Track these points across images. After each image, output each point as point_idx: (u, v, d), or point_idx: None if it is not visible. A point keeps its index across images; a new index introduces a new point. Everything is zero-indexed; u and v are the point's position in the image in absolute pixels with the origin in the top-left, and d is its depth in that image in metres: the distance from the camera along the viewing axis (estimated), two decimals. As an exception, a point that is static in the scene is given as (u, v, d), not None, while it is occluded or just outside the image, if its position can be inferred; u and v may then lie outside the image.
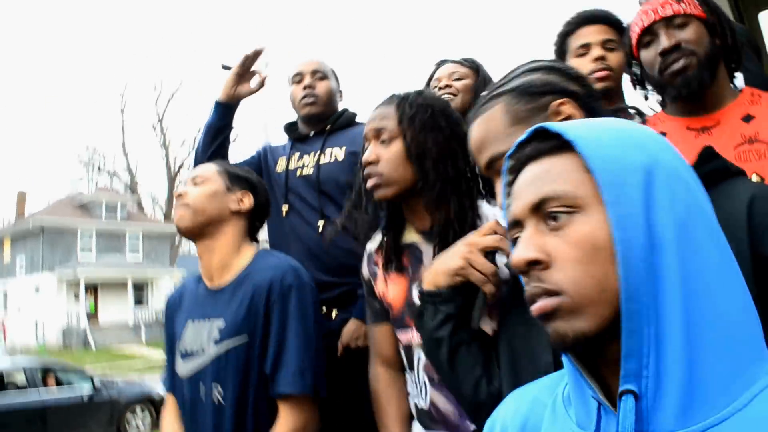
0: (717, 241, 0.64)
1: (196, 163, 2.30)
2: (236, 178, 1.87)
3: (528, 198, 0.69)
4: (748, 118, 1.51)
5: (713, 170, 0.94)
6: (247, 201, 1.86)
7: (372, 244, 1.70)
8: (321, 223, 2.27)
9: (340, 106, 2.57)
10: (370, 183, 1.53)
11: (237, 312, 1.69)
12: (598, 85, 1.93)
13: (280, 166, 2.46)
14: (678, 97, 1.53)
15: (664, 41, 1.52)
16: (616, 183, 0.63)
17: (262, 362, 1.68)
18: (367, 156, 1.53)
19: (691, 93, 1.50)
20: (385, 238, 1.61)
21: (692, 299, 0.60)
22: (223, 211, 1.81)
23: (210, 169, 1.88)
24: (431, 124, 1.51)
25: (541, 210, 0.68)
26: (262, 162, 2.54)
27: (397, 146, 1.51)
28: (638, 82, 1.70)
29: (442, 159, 1.49)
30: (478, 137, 1.12)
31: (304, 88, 2.44)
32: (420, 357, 1.51)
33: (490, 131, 1.09)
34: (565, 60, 2.04)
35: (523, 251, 0.67)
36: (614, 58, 1.98)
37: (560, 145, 0.69)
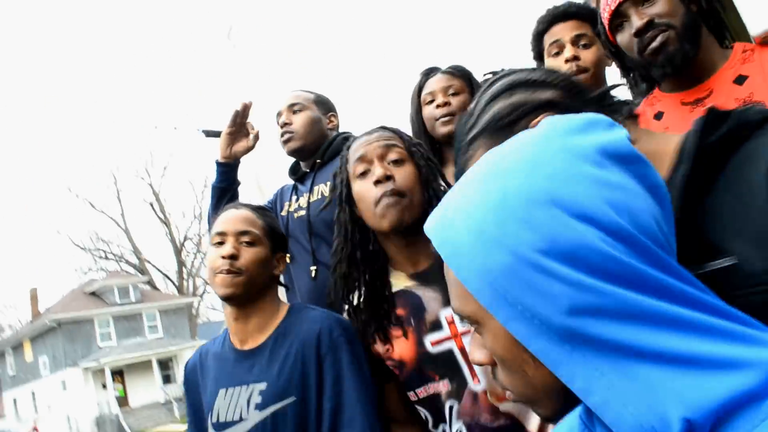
0: (637, 264, 0.55)
1: (210, 225, 2.22)
2: (278, 239, 1.72)
3: None
4: (740, 80, 1.43)
5: (726, 134, 0.82)
6: (282, 265, 1.73)
7: (351, 304, 1.58)
8: (314, 269, 2.17)
9: (341, 128, 2.48)
10: (388, 201, 1.40)
11: (281, 372, 1.55)
12: None
13: (285, 210, 2.40)
14: (664, 75, 1.46)
15: (635, 21, 1.43)
16: (493, 296, 0.57)
17: (320, 420, 1.52)
18: (382, 173, 1.42)
19: (675, 68, 1.43)
20: (372, 291, 1.49)
21: (635, 334, 0.53)
22: (267, 278, 1.67)
23: (257, 223, 1.68)
24: (429, 155, 1.53)
25: None
26: (273, 209, 2.47)
27: (411, 168, 1.46)
28: (623, 69, 1.64)
29: (443, 187, 1.48)
30: None
31: (282, 126, 2.36)
32: (453, 406, 1.40)
33: None
34: (542, 61, 1.99)
35: (472, 354, 0.66)
36: (588, 56, 1.89)
37: None
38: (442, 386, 1.41)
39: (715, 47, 1.49)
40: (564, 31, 1.91)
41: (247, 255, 1.61)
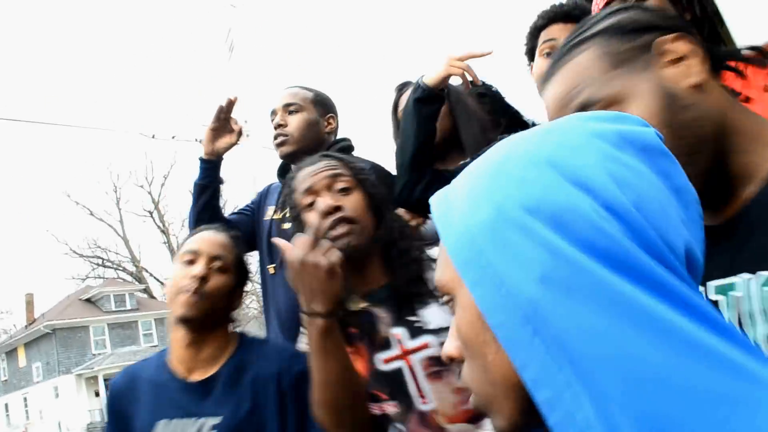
0: (627, 255, 0.47)
1: (190, 221, 2.25)
2: (244, 274, 1.68)
3: None
4: (732, 95, 1.34)
5: None
6: (240, 301, 1.70)
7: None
8: None
9: (340, 133, 2.36)
10: (336, 231, 1.40)
11: (239, 407, 1.52)
12: None
13: (268, 215, 2.27)
14: None
15: None
16: (468, 256, 0.52)
17: None
18: (327, 205, 1.41)
19: None
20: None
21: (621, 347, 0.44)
22: (226, 309, 1.64)
23: (231, 251, 1.65)
24: (375, 182, 1.55)
25: None
26: (256, 210, 2.38)
27: (358, 195, 1.47)
28: None
29: (395, 212, 1.51)
30: (561, 90, 0.86)
31: (276, 127, 2.23)
32: (402, 429, 1.38)
33: (581, 77, 0.84)
34: (533, 59, 1.88)
35: (444, 346, 0.60)
36: None
37: None
38: (390, 407, 1.39)
39: None
40: (562, 33, 1.78)
41: (216, 281, 1.57)
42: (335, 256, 1.28)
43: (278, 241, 1.34)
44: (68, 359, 29.47)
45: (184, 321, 1.55)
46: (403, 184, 1.90)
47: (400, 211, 2.01)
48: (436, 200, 0.59)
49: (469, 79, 1.86)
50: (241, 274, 1.66)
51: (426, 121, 1.87)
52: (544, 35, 1.83)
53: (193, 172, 2.29)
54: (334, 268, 1.27)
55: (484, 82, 2.07)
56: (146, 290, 37.48)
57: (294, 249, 1.27)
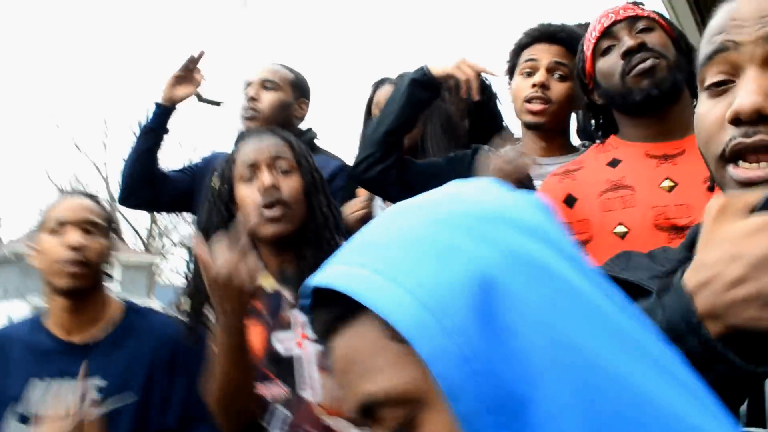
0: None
1: (125, 164, 2.23)
2: (116, 231, 1.68)
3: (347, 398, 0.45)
4: None
5: None
6: (110, 257, 1.68)
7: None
8: None
9: (309, 122, 2.36)
10: (272, 212, 1.40)
11: (125, 371, 1.52)
12: (528, 118, 1.76)
13: (214, 182, 2.26)
14: (646, 100, 1.34)
15: (627, 41, 1.35)
16: (417, 317, 0.39)
17: (162, 421, 1.53)
18: (270, 180, 1.41)
19: (663, 94, 1.33)
20: None
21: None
22: (104, 268, 1.63)
23: (100, 213, 1.63)
24: (316, 167, 1.53)
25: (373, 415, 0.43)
26: (198, 174, 2.28)
27: (297, 179, 1.46)
28: (587, 108, 1.55)
29: (330, 201, 1.51)
30: None
31: (248, 99, 2.23)
32: (286, 416, 1.38)
33: None
34: (511, 78, 1.85)
35: None
36: (558, 89, 1.73)
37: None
38: (276, 389, 1.39)
39: (691, 109, 1.38)
40: (544, 53, 1.76)
41: (95, 246, 1.56)
42: (257, 273, 1.26)
43: (201, 253, 1.25)
44: (25, 287, 29.17)
45: (70, 292, 1.53)
46: (364, 157, 1.84)
47: (359, 197, 2.09)
48: (341, 276, 0.44)
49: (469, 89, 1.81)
50: (113, 231, 1.67)
51: (413, 105, 1.80)
52: (526, 54, 1.79)
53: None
54: (257, 289, 1.27)
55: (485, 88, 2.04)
56: (117, 232, 37.10)
57: (218, 264, 1.22)
